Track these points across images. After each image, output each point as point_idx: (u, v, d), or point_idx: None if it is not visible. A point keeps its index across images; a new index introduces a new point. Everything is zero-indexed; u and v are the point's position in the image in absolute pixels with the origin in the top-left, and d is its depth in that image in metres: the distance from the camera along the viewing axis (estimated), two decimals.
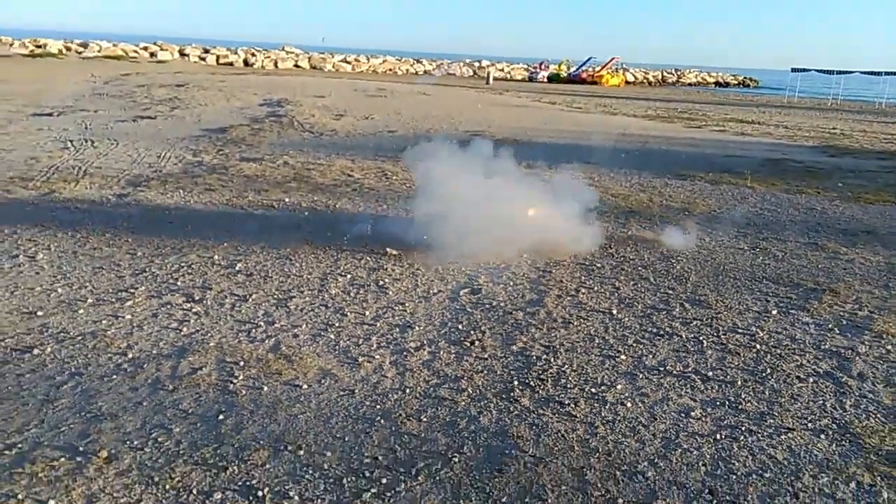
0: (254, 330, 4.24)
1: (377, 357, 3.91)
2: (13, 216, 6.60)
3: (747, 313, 4.78)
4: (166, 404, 3.33)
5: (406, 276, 5.28)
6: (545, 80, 50.87)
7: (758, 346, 4.22)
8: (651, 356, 4.04)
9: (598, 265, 5.75)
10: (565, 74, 52.15)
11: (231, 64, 47.83)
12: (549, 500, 2.69)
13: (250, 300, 4.73)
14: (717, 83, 66.52)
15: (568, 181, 7.74)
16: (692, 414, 3.39)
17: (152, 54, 45.61)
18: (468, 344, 4.12)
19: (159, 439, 3.02)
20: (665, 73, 64.68)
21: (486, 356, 3.96)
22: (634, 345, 4.19)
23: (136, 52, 45.16)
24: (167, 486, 2.70)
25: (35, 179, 8.29)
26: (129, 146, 10.96)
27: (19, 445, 2.94)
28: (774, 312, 4.81)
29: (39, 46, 41.89)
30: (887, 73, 42.00)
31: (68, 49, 43.19)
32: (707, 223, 7.39)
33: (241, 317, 4.45)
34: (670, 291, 5.18)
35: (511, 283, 5.19)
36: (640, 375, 3.78)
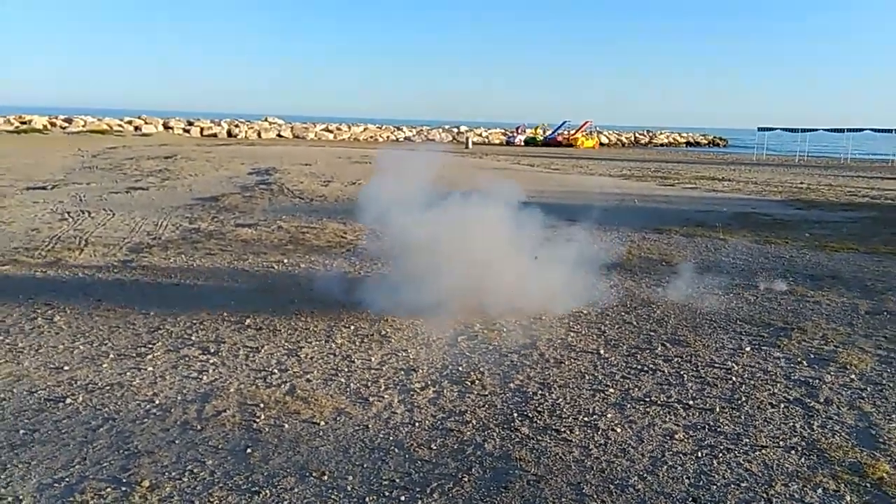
0: (269, 376, 4.57)
1: (386, 396, 4.25)
2: (25, 283, 6.90)
3: (723, 350, 5.20)
4: (197, 441, 3.63)
5: (406, 325, 5.65)
6: (522, 143, 52.27)
7: (733, 378, 4.62)
8: (637, 389, 4.41)
9: (584, 312, 6.16)
10: (541, 138, 53.68)
11: (215, 135, 48.74)
12: None
13: (262, 351, 5.06)
14: (688, 143, 68.69)
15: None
16: (676, 436, 3.75)
17: (137, 128, 46.47)
18: (469, 383, 4.47)
19: (195, 470, 3.32)
20: (637, 135, 66.78)
21: (486, 393, 4.32)
22: (621, 379, 4.56)
23: (120, 125, 46.01)
24: None
25: (39, 249, 8.61)
26: (125, 216, 11.34)
27: (66, 479, 3.23)
28: (748, 349, 5.23)
29: (24, 122, 42.61)
30: (849, 130, 43.91)
31: (53, 124, 43.93)
32: (683, 272, 7.86)
33: (255, 365, 4.77)
34: (652, 333, 5.59)
35: (504, 330, 5.58)
36: (628, 405, 4.15)
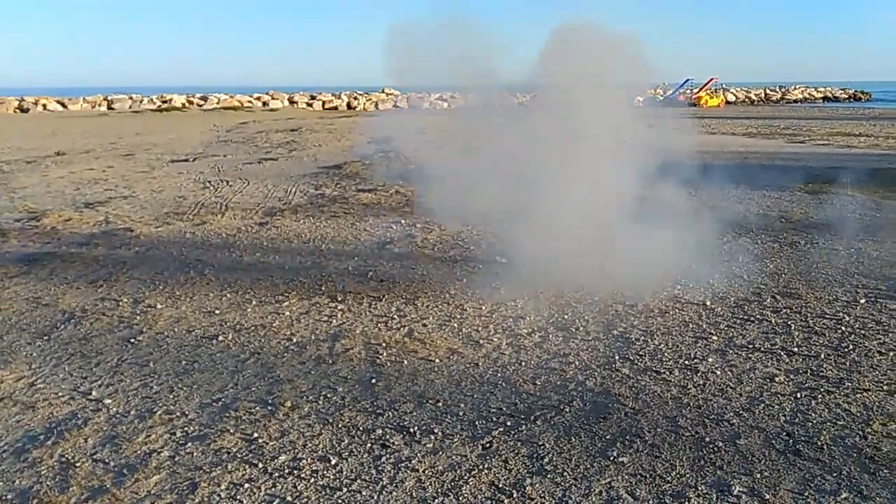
0: (389, 321, 5.03)
1: (495, 340, 4.59)
2: (177, 242, 7.78)
3: (836, 303, 5.14)
4: (329, 373, 4.13)
5: (515, 280, 5.95)
6: (640, 104, 50.50)
7: (843, 328, 4.60)
8: (741, 337, 4.51)
9: (693, 267, 6.21)
10: (661, 98, 51.68)
11: (336, 108, 50.55)
12: (647, 438, 3.26)
13: (383, 300, 5.53)
14: (825, 98, 63.78)
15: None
16: (776, 379, 3.86)
17: (264, 103, 48.99)
18: (573, 330, 4.73)
19: (328, 395, 3.81)
20: (768, 91, 62.73)
21: (589, 338, 4.56)
22: (726, 328, 4.67)
23: (250, 102, 48.67)
24: (339, 425, 3.47)
25: (187, 213, 9.58)
26: (258, 184, 12.27)
27: (222, 400, 3.81)
28: (862, 301, 5.15)
29: (165, 101, 46.00)
30: None
31: (190, 103, 47.11)
32: (803, 229, 7.66)
33: (377, 312, 5.25)
34: (763, 286, 5.59)
35: (610, 283, 5.76)
36: (730, 351, 4.27)
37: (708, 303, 5.20)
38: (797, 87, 69.25)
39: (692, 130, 23.75)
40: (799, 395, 3.66)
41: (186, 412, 3.67)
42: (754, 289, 5.54)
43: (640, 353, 4.29)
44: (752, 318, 4.84)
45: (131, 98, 45.42)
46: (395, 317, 5.12)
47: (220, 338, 4.77)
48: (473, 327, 4.85)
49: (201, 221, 8.93)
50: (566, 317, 4.99)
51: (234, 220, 9.00)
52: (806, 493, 2.82)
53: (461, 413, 3.56)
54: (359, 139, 21.04)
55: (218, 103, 47.44)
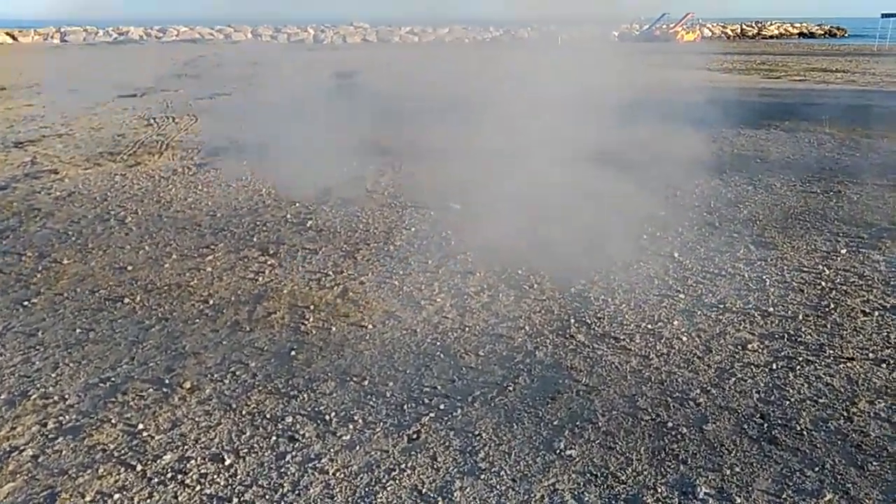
0: (323, 279, 4.48)
1: (439, 300, 4.07)
2: (103, 186, 7.07)
3: (815, 253, 4.69)
4: (244, 343, 3.59)
5: (467, 227, 5.40)
6: (615, 37, 49.40)
7: (823, 283, 4.16)
8: (711, 294, 4.04)
9: (662, 212, 5.71)
10: (637, 33, 50.50)
11: (302, 41, 48.60)
12: (600, 424, 2.79)
13: (320, 253, 4.96)
14: (801, 34, 62.93)
15: None
16: (749, 347, 3.41)
17: (227, 36, 46.88)
18: (527, 287, 4.22)
19: (237, 373, 3.28)
20: (745, 26, 61.69)
21: (544, 298, 4.06)
22: (694, 285, 4.19)
23: (211, 34, 46.51)
24: (243, 412, 2.95)
25: (122, 153, 8.81)
26: (207, 121, 11.44)
27: (112, 379, 3.26)
28: (843, 251, 4.70)
29: (122, 34, 43.77)
30: None
31: (148, 35, 44.91)
32: (779, 170, 7.18)
33: (311, 267, 4.69)
34: (735, 235, 5.11)
35: (570, 230, 5.24)
36: (699, 312, 3.81)
37: (676, 254, 4.72)
38: (773, 22, 68.19)
39: (666, 65, 23.06)
40: (775, 367, 3.21)
41: (66, 396, 3.12)
42: (726, 238, 5.06)
43: (599, 315, 3.80)
44: (723, 273, 4.37)
45: (85, 30, 43.10)
46: (331, 273, 4.57)
47: (126, 300, 4.19)
48: (416, 285, 4.32)
49: (135, 163, 8.20)
50: (520, 272, 4.47)
51: (172, 161, 8.28)
52: (783, 495, 2.38)
53: (389, 394, 3.06)
54: (322, 73, 20.01)
55: (177, 35, 45.31)
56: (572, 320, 3.74)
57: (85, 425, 2.87)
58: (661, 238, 5.07)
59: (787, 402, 2.92)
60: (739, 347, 3.40)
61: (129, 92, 15.94)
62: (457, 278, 4.41)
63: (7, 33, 39.55)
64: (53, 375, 3.30)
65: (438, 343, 3.53)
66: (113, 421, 2.90)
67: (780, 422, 2.78)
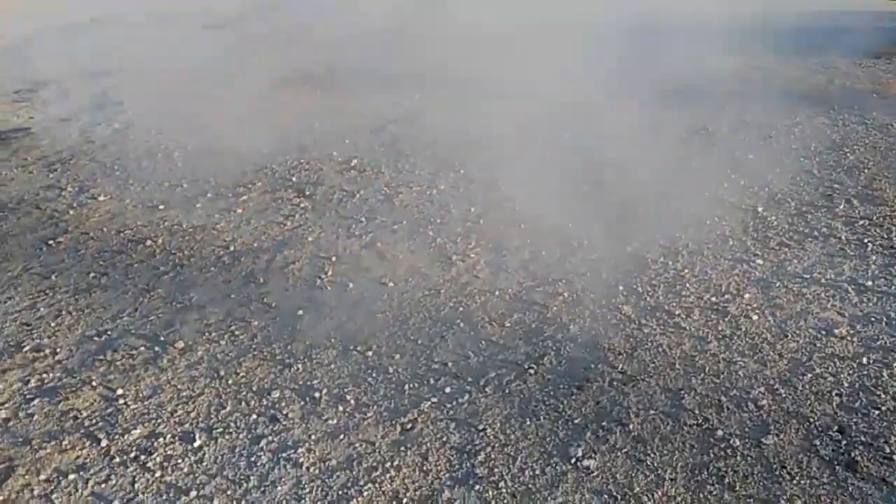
0: (355, 225, 4.10)
1: (473, 256, 3.62)
2: (166, 115, 6.90)
3: None
4: (253, 297, 3.29)
5: (523, 172, 4.86)
6: None
7: None
8: (796, 261, 3.39)
9: (750, 156, 4.96)
10: None
11: None
12: (632, 427, 2.31)
13: (358, 196, 4.58)
14: None
15: None
16: (836, 332, 2.80)
17: None
18: (575, 244, 3.69)
19: (236, 332, 2.98)
20: None
21: (592, 257, 3.54)
22: (777, 248, 3.54)
23: None
24: (230, 381, 2.65)
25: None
26: (294, 49, 11.12)
27: (108, 333, 3.03)
28: None
29: None
30: None
31: None
32: None
33: (345, 212, 4.32)
34: (837, 186, 4.35)
35: (636, 177, 4.61)
36: (777, 284, 3.19)
37: (760, 209, 4.03)
38: None
39: None
40: (865, 361, 2.61)
41: (58, 350, 2.92)
42: (825, 189, 4.30)
43: (654, 282, 3.25)
44: (815, 233, 3.69)
45: None
46: (363, 219, 4.18)
47: (149, 242, 3.96)
48: (452, 236, 3.88)
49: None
50: (570, 225, 3.93)
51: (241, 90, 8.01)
52: None
53: (392, 369, 2.68)
54: None
55: None
56: (621, 287, 3.21)
57: (65, 386, 2.66)
58: (744, 188, 4.37)
59: (877, 413, 2.34)
60: (823, 333, 2.79)
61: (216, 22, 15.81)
62: (498, 229, 3.93)
63: None
64: (53, 325, 3.11)
65: (461, 308, 3.10)
66: (94, 383, 2.67)
67: (863, 438, 2.22)
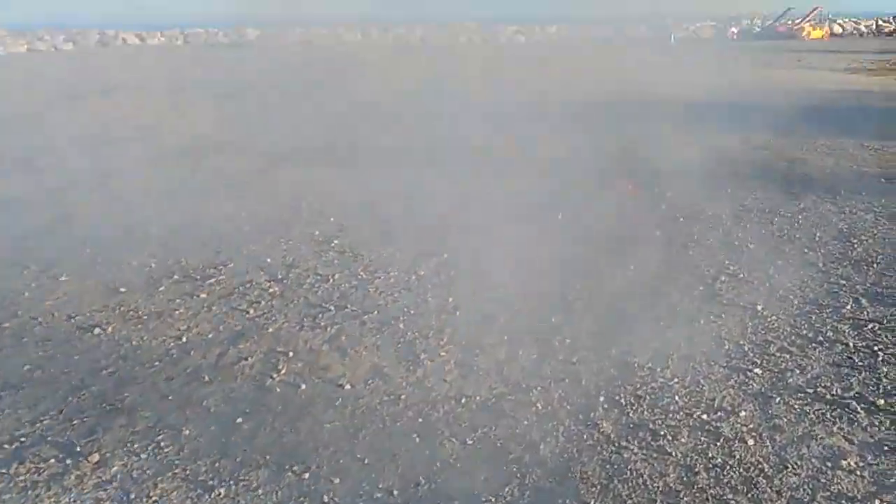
0: (322, 314, 3.80)
1: (444, 354, 3.30)
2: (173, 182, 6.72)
3: None
4: (193, 400, 2.96)
5: (511, 259, 4.59)
6: (735, 36, 46.52)
7: None
8: (799, 371, 3.04)
9: (750, 245, 4.67)
10: (758, 30, 47.34)
11: (407, 42, 48.51)
12: None
13: (332, 280, 4.30)
14: None
15: None
16: (843, 463, 2.42)
17: (337, 36, 47.51)
18: (556, 342, 3.37)
19: (163, 443, 2.65)
20: (881, 21, 56.50)
21: (574, 360, 3.20)
22: (778, 354, 3.19)
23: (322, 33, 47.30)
24: None
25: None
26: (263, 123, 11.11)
27: (23, 439, 2.70)
28: None
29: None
30: None
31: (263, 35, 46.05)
32: None
33: (314, 298, 4.03)
34: (843, 282, 4.02)
35: (625, 268, 4.32)
36: (778, 399, 2.83)
37: (760, 307, 3.71)
38: None
39: (785, 65, 21.06)
40: (880, 501, 2.23)
41: None
42: (830, 285, 3.98)
43: (640, 392, 2.91)
44: (820, 338, 3.34)
45: (207, 32, 44.62)
46: (332, 307, 3.89)
47: (98, 330, 3.67)
48: (423, 330, 3.56)
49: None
50: (553, 320, 3.62)
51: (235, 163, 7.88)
52: None
53: (327, 498, 2.33)
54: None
55: (299, 37, 46.22)
56: (602, 398, 2.86)
57: None
58: (743, 282, 4.06)
59: None
60: (828, 463, 2.42)
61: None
62: (475, 323, 3.62)
63: (136, 35, 41.46)
64: None
65: (422, 419, 2.76)
66: None
67: None
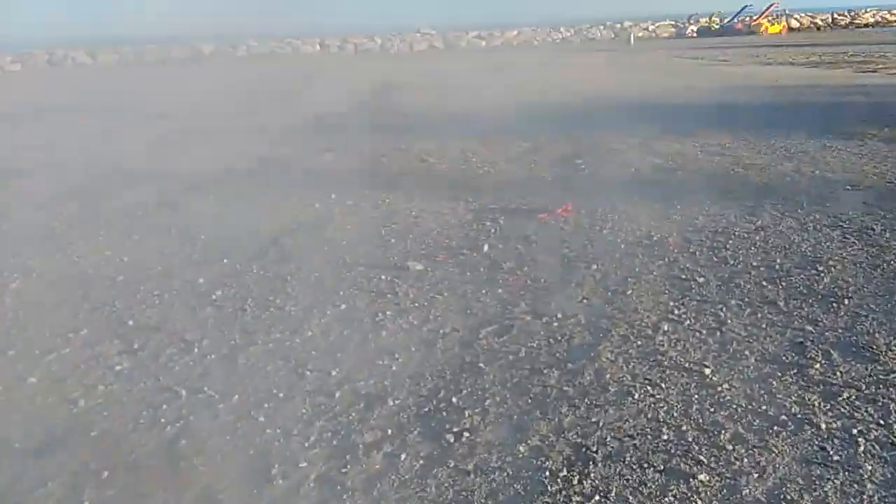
0: (167, 405, 3.01)
1: (303, 465, 2.53)
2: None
3: None
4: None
5: (411, 306, 3.84)
6: (694, 34, 46.57)
7: None
8: (756, 476, 2.31)
9: (699, 278, 3.97)
10: (717, 27, 47.44)
11: (368, 50, 47.85)
12: None
13: (196, 350, 3.51)
14: None
15: None
16: None
17: (294, 48, 46.53)
18: (452, 439, 2.62)
19: None
20: (836, 15, 57.05)
21: (467, 455, 2.45)
22: (730, 448, 2.47)
23: (280, 47, 46.30)
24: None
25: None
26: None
27: None
28: None
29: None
30: None
31: (219, 51, 44.85)
32: (879, 203, 5.27)
33: (167, 380, 3.23)
34: (810, 328, 3.32)
35: (537, 317, 3.59)
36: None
37: (708, 370, 2.99)
38: (868, 10, 63.05)
39: (741, 61, 20.70)
40: None
41: None
42: (794, 332, 3.28)
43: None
44: (783, 417, 2.63)
45: (159, 48, 43.33)
46: (184, 391, 3.11)
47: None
48: (287, 425, 2.80)
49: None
50: (456, 400, 2.86)
51: (142, 195, 7.04)
52: None
53: None
54: (361, 85, 18.83)
55: (247, 51, 45.22)
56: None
57: None
58: (689, 332, 3.34)
59: None
60: None
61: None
62: (357, 410, 2.85)
63: (87, 53, 39.99)
64: None
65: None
66: None
67: None
